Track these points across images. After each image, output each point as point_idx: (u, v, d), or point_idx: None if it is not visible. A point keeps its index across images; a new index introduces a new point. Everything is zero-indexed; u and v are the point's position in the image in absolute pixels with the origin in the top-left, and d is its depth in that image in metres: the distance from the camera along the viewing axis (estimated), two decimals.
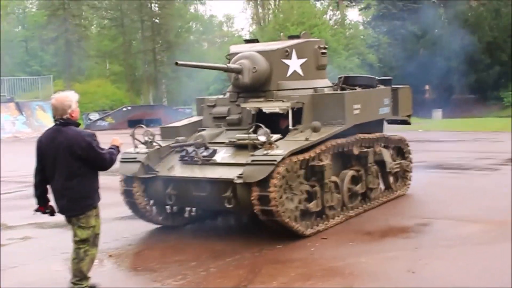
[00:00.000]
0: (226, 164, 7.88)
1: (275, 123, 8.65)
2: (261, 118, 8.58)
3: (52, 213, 5.89)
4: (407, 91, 11.30)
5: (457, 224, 8.55)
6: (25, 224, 9.71)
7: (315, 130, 7.88)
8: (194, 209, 9.24)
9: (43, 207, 5.90)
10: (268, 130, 7.49)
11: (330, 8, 45.90)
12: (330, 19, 45.64)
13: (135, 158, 8.23)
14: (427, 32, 40.29)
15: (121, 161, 8.32)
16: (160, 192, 8.22)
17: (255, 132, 7.85)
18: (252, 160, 7.32)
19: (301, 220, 7.79)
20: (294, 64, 9.05)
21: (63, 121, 5.57)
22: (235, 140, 8.15)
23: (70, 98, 5.60)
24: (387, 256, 7.02)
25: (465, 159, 15.77)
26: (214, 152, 8.12)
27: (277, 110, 8.42)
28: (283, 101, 8.54)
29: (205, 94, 48.43)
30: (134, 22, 44.89)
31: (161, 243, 8.14)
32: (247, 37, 49.92)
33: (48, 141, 5.61)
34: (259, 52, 8.88)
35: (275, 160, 7.15)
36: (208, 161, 8.01)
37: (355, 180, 9.24)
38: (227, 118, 9.01)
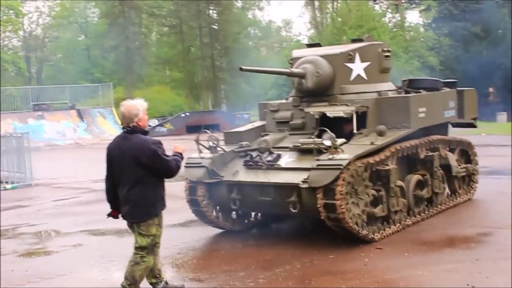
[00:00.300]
0: (290, 169, 7.91)
1: (339, 127, 8.62)
2: (325, 122, 8.59)
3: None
4: (473, 94, 11.14)
5: None
6: (78, 231, 9.92)
7: (381, 134, 7.83)
8: (258, 213, 9.32)
9: (116, 211, 5.94)
10: (333, 135, 7.48)
11: (389, 10, 45.43)
12: (389, 22, 45.26)
13: (200, 163, 8.35)
14: (490, 33, 39.46)
15: (186, 166, 8.46)
16: (224, 197, 8.33)
17: (319, 136, 7.86)
18: (318, 165, 7.33)
19: (367, 225, 7.74)
20: (358, 67, 9.03)
21: (130, 129, 5.64)
22: (299, 144, 8.17)
23: (137, 106, 5.65)
24: (445, 268, 6.67)
25: None
26: (279, 156, 8.18)
27: (341, 114, 8.41)
28: (347, 105, 8.53)
29: (263, 100, 48.77)
30: (192, 29, 45.48)
31: (211, 252, 8.17)
32: (305, 42, 49.92)
33: (115, 148, 5.70)
34: (322, 56, 8.91)
35: (341, 165, 7.14)
36: (272, 166, 8.07)
37: (420, 184, 9.13)
38: (291, 122, 9.04)
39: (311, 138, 8.35)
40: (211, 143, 8.52)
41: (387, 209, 8.12)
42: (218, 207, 8.68)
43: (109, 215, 6.00)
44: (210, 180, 8.27)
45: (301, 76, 8.73)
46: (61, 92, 38.15)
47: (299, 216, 8.53)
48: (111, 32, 44.29)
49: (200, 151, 8.60)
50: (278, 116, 9.25)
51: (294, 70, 8.76)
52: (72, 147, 31.13)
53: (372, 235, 7.77)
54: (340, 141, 7.77)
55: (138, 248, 5.69)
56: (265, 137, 8.75)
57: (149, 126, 40.91)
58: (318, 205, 7.22)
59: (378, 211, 7.93)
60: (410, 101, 8.73)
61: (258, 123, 9.60)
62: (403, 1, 44.48)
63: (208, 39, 45.62)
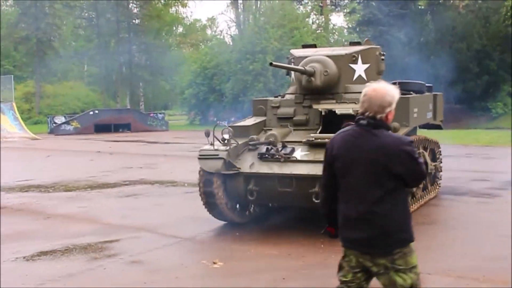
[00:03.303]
0: (307, 161, 8.77)
1: (339, 124, 9.56)
2: (327, 119, 9.56)
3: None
4: (441, 98, 12.52)
5: (458, 283, 6.53)
6: None
7: (395, 130, 8.82)
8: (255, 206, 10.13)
9: (334, 228, 4.54)
10: None
11: (314, 12, 47.24)
12: (312, 23, 47.08)
13: (216, 155, 9.02)
14: (413, 39, 41.79)
15: (201, 158, 9.16)
16: (240, 188, 9.08)
17: (324, 131, 8.71)
18: None
19: None
20: (360, 68, 10.08)
21: (375, 122, 4.17)
22: (312, 139, 9.04)
23: (393, 93, 4.21)
24: None
25: (458, 180, 14.25)
26: (293, 150, 9.03)
27: (350, 111, 9.34)
28: (355, 103, 9.50)
29: (180, 99, 49.30)
30: (110, 23, 45.46)
31: None
32: (227, 40, 50.96)
33: (348, 145, 4.25)
34: (329, 56, 9.87)
35: None
36: (289, 158, 8.91)
37: None
38: (294, 118, 9.91)
39: (315, 133, 9.29)
40: (225, 135, 9.25)
41: None
42: (230, 199, 9.33)
43: (325, 232, 4.67)
44: (228, 172, 8.99)
45: (310, 74, 9.65)
46: None
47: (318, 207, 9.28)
48: (22, 22, 43.56)
49: (211, 143, 9.31)
50: (280, 112, 10.09)
51: (307, 68, 9.64)
52: None
53: None
54: None
55: None
56: (272, 132, 9.56)
57: (55, 123, 40.50)
58: None
59: None
60: (410, 101, 9.85)
61: (258, 119, 10.32)
62: (328, 3, 46.44)
63: (127, 34, 45.69)
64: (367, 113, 4.16)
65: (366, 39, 10.90)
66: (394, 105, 4.18)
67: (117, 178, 16.07)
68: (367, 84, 4.24)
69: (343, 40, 42.64)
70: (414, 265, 4.20)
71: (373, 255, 4.18)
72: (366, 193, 4.13)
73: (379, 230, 4.12)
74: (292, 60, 10.38)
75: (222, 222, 9.83)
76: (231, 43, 48.87)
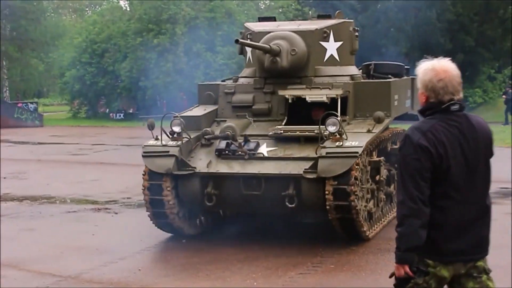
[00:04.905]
0: (277, 158, 9.88)
1: (307, 113, 10.73)
2: (294, 107, 10.67)
3: None
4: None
5: None
6: None
7: (379, 121, 10.04)
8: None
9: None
10: (339, 120, 9.57)
11: None
12: None
13: (167, 151, 9.93)
14: (368, 7, 43.07)
15: (147, 155, 10.06)
16: (196, 193, 10.02)
17: (323, 123, 9.71)
18: (327, 153, 9.38)
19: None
20: (331, 47, 11.23)
21: (463, 105, 4.61)
22: (280, 131, 10.14)
23: (456, 66, 4.62)
24: None
25: None
26: (258, 145, 10.06)
27: (323, 98, 10.49)
28: (329, 89, 10.67)
29: (59, 83, 49.52)
30: None
31: None
32: (122, 4, 51.51)
33: (457, 139, 4.50)
34: (295, 32, 10.96)
35: (357, 152, 9.27)
36: (254, 155, 9.97)
37: (388, 180, 11.39)
38: (253, 107, 10.97)
39: (280, 125, 10.40)
40: (176, 128, 10.14)
41: (376, 205, 10.44)
42: (183, 204, 10.28)
43: (419, 271, 4.49)
44: (181, 172, 9.93)
45: (275, 53, 10.59)
46: None
47: (292, 213, 10.38)
48: None
49: (156, 138, 10.16)
50: (236, 100, 11.11)
51: (272, 46, 10.57)
52: None
53: (368, 232, 10.03)
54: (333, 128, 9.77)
55: None
56: (229, 124, 10.52)
57: None
58: (327, 196, 9.27)
59: (372, 206, 10.22)
60: (391, 86, 11.11)
61: (209, 108, 11.30)
62: None
63: None
64: (447, 96, 4.46)
65: (338, 11, 12.03)
66: None
67: None
68: (420, 66, 4.53)
69: (279, 7, 43.81)
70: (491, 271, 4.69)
71: (474, 260, 4.58)
72: (480, 187, 4.57)
73: (488, 228, 4.61)
74: (249, 36, 11.32)
75: (117, 254, 10.08)
76: (128, 9, 49.28)
